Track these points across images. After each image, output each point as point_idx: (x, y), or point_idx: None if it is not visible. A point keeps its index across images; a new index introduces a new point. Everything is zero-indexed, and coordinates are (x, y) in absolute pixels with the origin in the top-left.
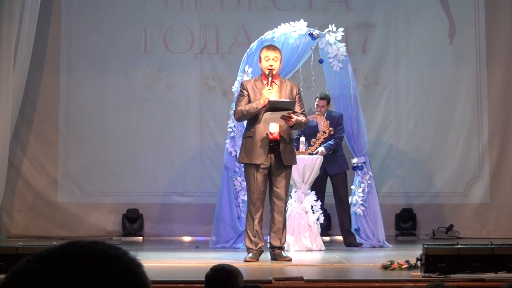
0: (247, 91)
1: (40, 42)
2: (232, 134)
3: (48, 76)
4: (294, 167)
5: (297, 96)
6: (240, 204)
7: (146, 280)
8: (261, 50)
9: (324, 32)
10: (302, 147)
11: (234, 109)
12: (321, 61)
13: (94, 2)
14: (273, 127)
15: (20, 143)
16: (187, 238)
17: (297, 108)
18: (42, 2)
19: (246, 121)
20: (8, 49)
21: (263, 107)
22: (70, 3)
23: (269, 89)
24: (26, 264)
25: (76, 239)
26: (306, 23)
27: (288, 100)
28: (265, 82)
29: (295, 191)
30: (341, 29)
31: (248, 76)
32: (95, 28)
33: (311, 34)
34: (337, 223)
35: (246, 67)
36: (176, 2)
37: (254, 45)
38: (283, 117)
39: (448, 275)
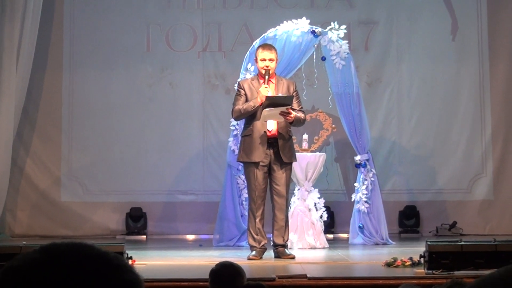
0: (244, 90)
1: (43, 41)
2: (235, 132)
3: (51, 75)
4: (297, 164)
5: (295, 93)
6: (244, 202)
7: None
8: (257, 49)
9: (326, 30)
10: (304, 144)
11: (232, 108)
12: (323, 59)
13: (96, 1)
14: (271, 124)
15: (23, 142)
16: (190, 237)
17: (295, 105)
18: (44, 1)
19: (244, 120)
20: (11, 49)
21: (261, 105)
22: (72, 2)
23: (266, 87)
24: (24, 256)
25: (74, 240)
26: (308, 21)
27: (285, 95)
28: (261, 81)
29: (298, 189)
30: (343, 27)
31: (250, 74)
32: (97, 27)
33: (313, 32)
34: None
35: (249, 65)
36: (178, 1)
37: (256, 43)
38: (282, 113)
39: (451, 272)
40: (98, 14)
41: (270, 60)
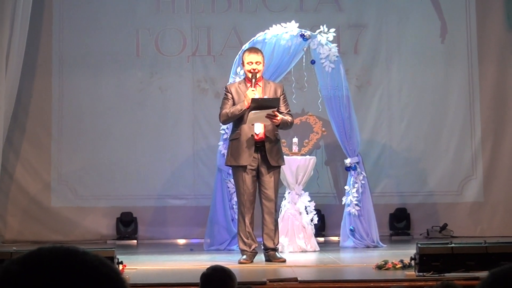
0: (231, 94)
1: (32, 46)
2: (225, 136)
3: (40, 80)
4: (287, 168)
5: (282, 96)
6: (234, 206)
7: None
8: (244, 53)
9: (315, 33)
10: (294, 148)
11: (219, 112)
12: (313, 62)
13: (85, 6)
14: (258, 127)
15: (13, 147)
16: (181, 241)
17: (282, 108)
18: (33, 6)
19: (232, 124)
20: (0, 54)
21: (248, 108)
22: (61, 7)
23: (253, 90)
24: (4, 267)
25: (57, 244)
26: (297, 24)
27: (271, 97)
28: (248, 84)
29: (289, 192)
30: (332, 30)
31: (240, 78)
32: (86, 32)
33: (302, 35)
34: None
35: (238, 69)
36: (168, 5)
37: (245, 46)
38: (268, 116)
39: (442, 274)
40: (87, 19)
41: (257, 63)
